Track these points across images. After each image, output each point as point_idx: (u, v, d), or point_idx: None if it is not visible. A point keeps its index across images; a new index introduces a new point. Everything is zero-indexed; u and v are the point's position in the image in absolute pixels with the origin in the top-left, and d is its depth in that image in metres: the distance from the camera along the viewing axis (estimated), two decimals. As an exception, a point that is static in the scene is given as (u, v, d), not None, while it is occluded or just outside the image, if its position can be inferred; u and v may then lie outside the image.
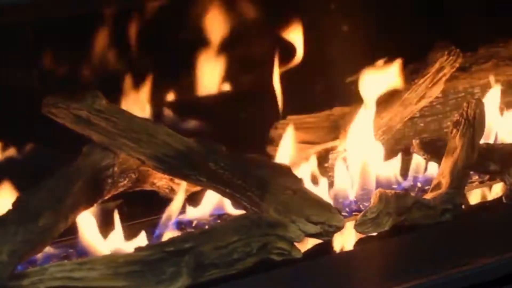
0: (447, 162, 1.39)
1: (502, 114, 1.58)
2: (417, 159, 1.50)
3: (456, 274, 1.30)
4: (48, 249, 1.27)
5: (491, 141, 1.52)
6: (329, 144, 1.50)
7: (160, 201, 1.39)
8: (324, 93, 1.53)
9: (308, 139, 1.47)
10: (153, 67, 1.51)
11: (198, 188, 1.37)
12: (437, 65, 1.55)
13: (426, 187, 1.45)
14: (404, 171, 1.50)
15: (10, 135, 1.40)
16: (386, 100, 1.55)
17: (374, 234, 1.31)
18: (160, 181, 1.36)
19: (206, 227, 1.32)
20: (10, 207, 1.19)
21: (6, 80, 1.44)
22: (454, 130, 1.41)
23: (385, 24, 1.66)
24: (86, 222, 1.30)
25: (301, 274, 1.25)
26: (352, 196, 1.44)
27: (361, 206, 1.42)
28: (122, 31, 1.47)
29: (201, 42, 1.54)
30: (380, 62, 1.62)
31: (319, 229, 1.25)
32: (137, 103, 1.50)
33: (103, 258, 1.18)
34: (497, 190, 1.48)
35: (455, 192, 1.36)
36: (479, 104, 1.42)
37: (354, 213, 1.41)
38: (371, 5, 1.65)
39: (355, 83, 1.59)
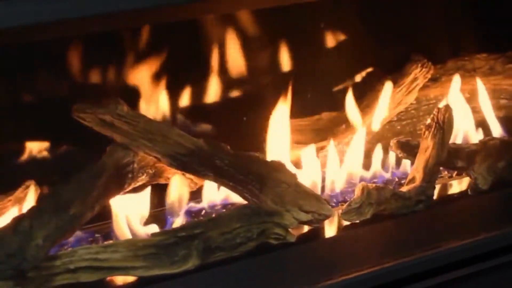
0: (420, 160, 1.39)
1: (467, 118, 1.57)
2: (395, 157, 1.49)
3: (427, 256, 1.30)
4: (77, 234, 1.27)
5: (458, 141, 1.52)
6: (318, 144, 1.50)
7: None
8: (314, 100, 1.53)
9: (300, 140, 1.47)
10: (167, 78, 1.51)
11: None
12: (411, 76, 1.56)
13: (402, 181, 1.44)
14: (384, 167, 1.50)
15: (47, 136, 1.41)
16: (368, 106, 1.55)
17: (358, 221, 1.31)
18: (173, 176, 1.35)
19: (213, 215, 1.31)
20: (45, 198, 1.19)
21: (44, 90, 1.44)
22: (426, 132, 1.41)
23: (367, 41, 1.66)
24: (111, 210, 1.30)
25: (295, 256, 1.25)
26: (338, 189, 1.44)
27: (346, 197, 1.42)
28: (140, 48, 1.48)
29: (208, 56, 1.55)
30: (363, 73, 1.63)
31: (310, 217, 1.26)
32: (153, 109, 1.50)
33: (125, 242, 1.19)
34: (463, 183, 1.47)
35: (427, 185, 1.36)
36: (448, 110, 1.42)
37: (340, 204, 1.40)
38: (356, 25, 1.65)
39: (341, 92, 1.60)
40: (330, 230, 1.32)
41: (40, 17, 1.03)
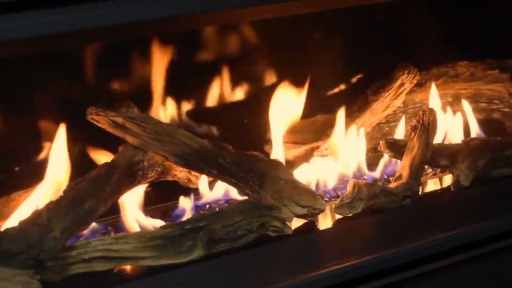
0: (407, 158, 1.39)
1: (450, 120, 1.58)
2: (383, 156, 1.49)
3: (413, 247, 1.30)
4: (92, 227, 1.28)
5: (441, 141, 1.52)
6: (313, 144, 1.50)
7: (180, 189, 1.39)
8: (309, 104, 1.53)
9: (297, 140, 1.47)
10: (174, 84, 1.51)
11: (210, 179, 1.37)
12: (399, 82, 1.55)
13: (390, 178, 1.44)
14: (373, 165, 1.50)
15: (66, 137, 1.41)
16: (359, 109, 1.56)
17: (349, 215, 1.31)
18: (180, 173, 1.35)
19: (217, 209, 1.32)
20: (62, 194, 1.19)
21: (62, 94, 1.44)
22: (413, 133, 1.41)
23: (359, 50, 1.66)
24: (123, 205, 1.30)
25: (292, 247, 1.26)
26: (331, 185, 1.44)
27: (339, 193, 1.42)
28: (149, 56, 1.48)
29: (211, 64, 1.55)
30: (355, 79, 1.64)
31: (306, 211, 1.26)
32: (161, 111, 1.50)
33: (135, 234, 1.19)
34: (446, 180, 1.47)
35: (413, 182, 1.36)
36: (432, 113, 1.42)
37: (333, 199, 1.40)
38: (349, 36, 1.65)
39: (335, 96, 1.60)
40: (324, 223, 1.32)
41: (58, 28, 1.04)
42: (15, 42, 1.05)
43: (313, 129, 1.51)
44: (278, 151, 1.41)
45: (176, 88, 1.52)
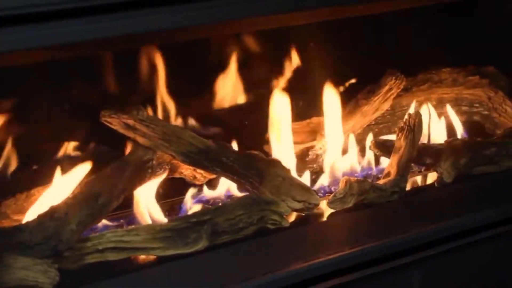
0: (395, 157, 1.39)
1: (434, 122, 1.58)
2: (373, 155, 1.49)
3: (400, 238, 1.29)
4: (105, 220, 1.28)
5: (426, 141, 1.52)
6: (309, 144, 1.50)
7: (186, 185, 1.39)
8: (305, 107, 1.53)
9: (293, 140, 1.46)
10: (181, 89, 1.51)
11: (213, 176, 1.37)
12: (387, 87, 1.55)
13: (379, 175, 1.44)
14: (364, 164, 1.50)
15: (81, 138, 1.42)
16: (350, 111, 1.55)
17: (342, 209, 1.31)
18: (186, 171, 1.35)
19: (220, 204, 1.32)
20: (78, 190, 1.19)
21: (78, 98, 1.44)
22: (400, 134, 1.41)
23: (351, 58, 1.66)
24: (134, 200, 1.30)
25: (289, 238, 1.25)
26: (325, 182, 1.44)
27: (332, 189, 1.42)
28: (157, 64, 1.48)
29: (215, 71, 1.55)
30: (347, 84, 1.63)
31: (302, 206, 1.26)
32: (169, 114, 1.50)
33: (145, 226, 1.19)
34: (431, 177, 1.47)
35: (400, 179, 1.36)
36: (418, 115, 1.42)
37: (327, 194, 1.40)
38: (342, 45, 1.65)
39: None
40: (318, 216, 1.31)
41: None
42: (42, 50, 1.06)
43: (308, 130, 1.51)
44: (278, 150, 1.41)
45: (183, 92, 1.52)
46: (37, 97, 1.39)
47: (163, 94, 1.49)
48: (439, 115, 1.58)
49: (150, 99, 1.47)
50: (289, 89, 1.51)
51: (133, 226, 1.21)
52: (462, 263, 1.37)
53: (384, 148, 1.44)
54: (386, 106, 1.57)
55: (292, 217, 1.29)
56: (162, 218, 1.29)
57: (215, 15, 1.12)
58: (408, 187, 1.39)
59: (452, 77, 1.65)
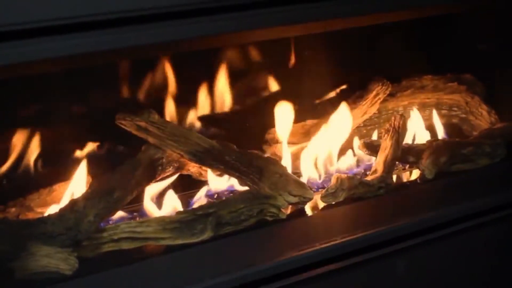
0: (381, 156, 1.38)
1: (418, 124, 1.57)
2: (361, 154, 1.49)
3: (387, 229, 1.29)
4: (120, 213, 1.27)
5: (409, 142, 1.51)
6: (304, 144, 1.49)
7: (193, 181, 1.38)
8: (300, 110, 1.52)
9: (289, 141, 1.46)
10: (188, 94, 1.51)
11: (218, 173, 1.36)
12: (374, 92, 1.54)
13: (368, 172, 1.43)
14: (353, 162, 1.49)
15: (98, 138, 1.41)
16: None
17: (333, 203, 1.31)
18: (193, 168, 1.35)
19: (223, 198, 1.31)
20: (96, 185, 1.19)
21: (95, 102, 1.44)
22: (386, 135, 1.41)
23: (341, 66, 1.66)
24: (146, 194, 1.30)
25: (286, 229, 1.25)
26: (319, 178, 1.43)
27: (325, 184, 1.41)
28: (169, 73, 1.48)
29: (220, 78, 1.54)
30: (337, 90, 1.63)
31: (297, 200, 1.25)
32: (178, 116, 1.50)
33: (156, 218, 1.18)
34: (414, 174, 1.47)
35: (386, 175, 1.35)
36: (402, 118, 1.42)
37: (320, 189, 1.39)
38: (333, 54, 1.65)
39: (321, 104, 1.60)
40: (312, 209, 1.31)
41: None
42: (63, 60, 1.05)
43: (303, 131, 1.51)
44: (276, 150, 1.40)
45: (190, 97, 1.51)
46: (60, 101, 1.38)
47: (172, 99, 1.49)
48: (422, 118, 1.57)
49: (160, 103, 1.47)
50: (286, 95, 1.51)
51: (145, 218, 1.21)
52: (443, 252, 1.36)
53: (372, 148, 1.44)
54: (374, 110, 1.57)
55: (289, 210, 1.28)
56: (171, 211, 1.28)
57: (218, 28, 1.11)
58: (393, 183, 1.38)
59: (433, 83, 1.64)
